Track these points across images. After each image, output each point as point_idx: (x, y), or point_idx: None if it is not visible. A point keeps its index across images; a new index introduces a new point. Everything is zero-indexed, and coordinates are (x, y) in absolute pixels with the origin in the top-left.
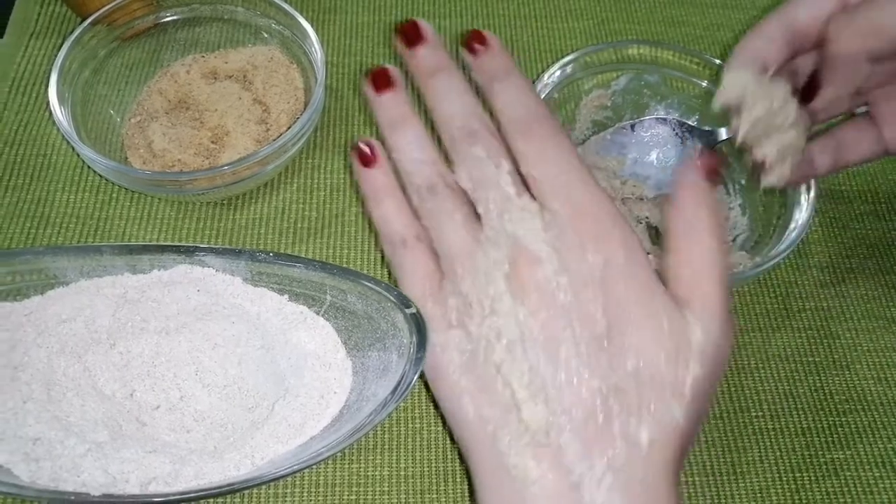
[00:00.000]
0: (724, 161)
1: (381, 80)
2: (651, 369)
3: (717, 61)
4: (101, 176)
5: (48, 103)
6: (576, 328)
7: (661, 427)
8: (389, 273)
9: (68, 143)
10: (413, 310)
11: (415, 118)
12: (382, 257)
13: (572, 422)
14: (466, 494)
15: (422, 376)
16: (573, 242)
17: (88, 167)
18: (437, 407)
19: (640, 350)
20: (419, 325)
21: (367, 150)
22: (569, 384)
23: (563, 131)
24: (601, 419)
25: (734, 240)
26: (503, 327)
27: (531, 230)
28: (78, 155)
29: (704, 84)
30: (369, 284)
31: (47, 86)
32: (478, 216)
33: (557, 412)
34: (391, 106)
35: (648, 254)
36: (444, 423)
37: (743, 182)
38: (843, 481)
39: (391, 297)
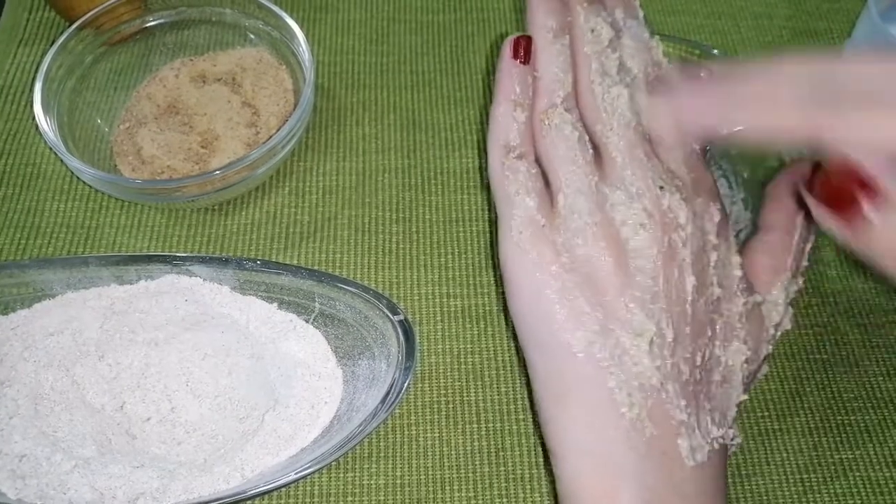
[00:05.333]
0: (726, 154)
1: None
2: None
3: (716, 51)
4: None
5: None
6: (695, 295)
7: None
8: (380, 278)
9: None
10: (401, 316)
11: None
12: (375, 262)
13: (679, 376)
14: (465, 502)
15: (414, 382)
16: (701, 206)
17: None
18: (431, 411)
19: (731, 322)
20: (407, 333)
21: (523, 43)
22: (680, 346)
23: None
24: (699, 377)
25: (737, 235)
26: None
27: (672, 188)
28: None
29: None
30: (358, 291)
31: None
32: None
33: (669, 366)
34: (555, 9)
35: None
36: (441, 418)
37: (746, 176)
38: (852, 482)
39: (380, 305)
